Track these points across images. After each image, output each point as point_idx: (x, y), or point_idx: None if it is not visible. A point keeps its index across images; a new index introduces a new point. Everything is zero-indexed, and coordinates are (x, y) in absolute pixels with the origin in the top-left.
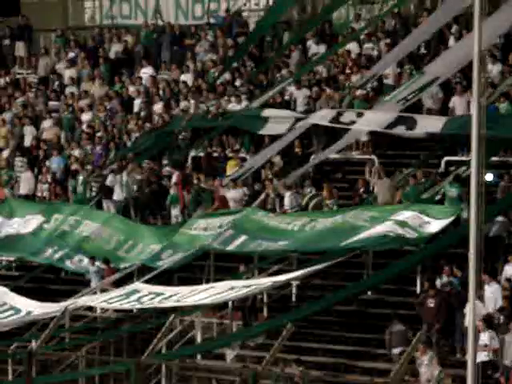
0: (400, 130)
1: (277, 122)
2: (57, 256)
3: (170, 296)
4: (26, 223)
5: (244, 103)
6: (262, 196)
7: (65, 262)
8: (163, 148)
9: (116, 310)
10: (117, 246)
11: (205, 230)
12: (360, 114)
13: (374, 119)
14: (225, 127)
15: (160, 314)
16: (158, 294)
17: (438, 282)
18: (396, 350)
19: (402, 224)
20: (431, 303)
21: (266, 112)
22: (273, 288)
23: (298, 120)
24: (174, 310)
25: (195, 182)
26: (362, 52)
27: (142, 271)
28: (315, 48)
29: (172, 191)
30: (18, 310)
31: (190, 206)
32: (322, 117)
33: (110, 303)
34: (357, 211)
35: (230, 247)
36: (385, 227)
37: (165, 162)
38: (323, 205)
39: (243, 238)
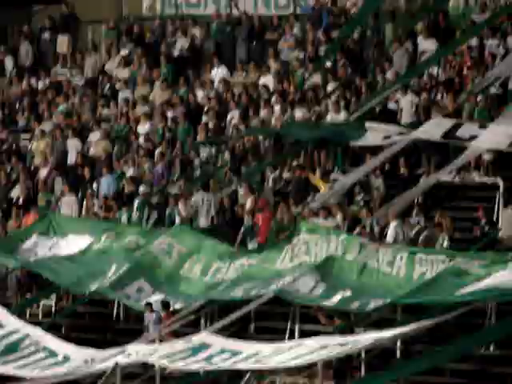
0: None
1: (374, 132)
2: (108, 280)
3: (248, 356)
4: (68, 244)
5: (343, 113)
6: (357, 229)
7: (116, 291)
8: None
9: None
10: (178, 262)
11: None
12: (483, 126)
13: (496, 134)
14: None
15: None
16: (234, 354)
17: None
18: None
19: None
20: None
21: (367, 125)
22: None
23: (401, 135)
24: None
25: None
26: (484, 50)
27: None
28: (425, 44)
29: (246, 221)
30: (52, 353)
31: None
32: (433, 130)
33: (173, 361)
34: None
35: (329, 302)
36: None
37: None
38: (435, 240)
39: (348, 293)
